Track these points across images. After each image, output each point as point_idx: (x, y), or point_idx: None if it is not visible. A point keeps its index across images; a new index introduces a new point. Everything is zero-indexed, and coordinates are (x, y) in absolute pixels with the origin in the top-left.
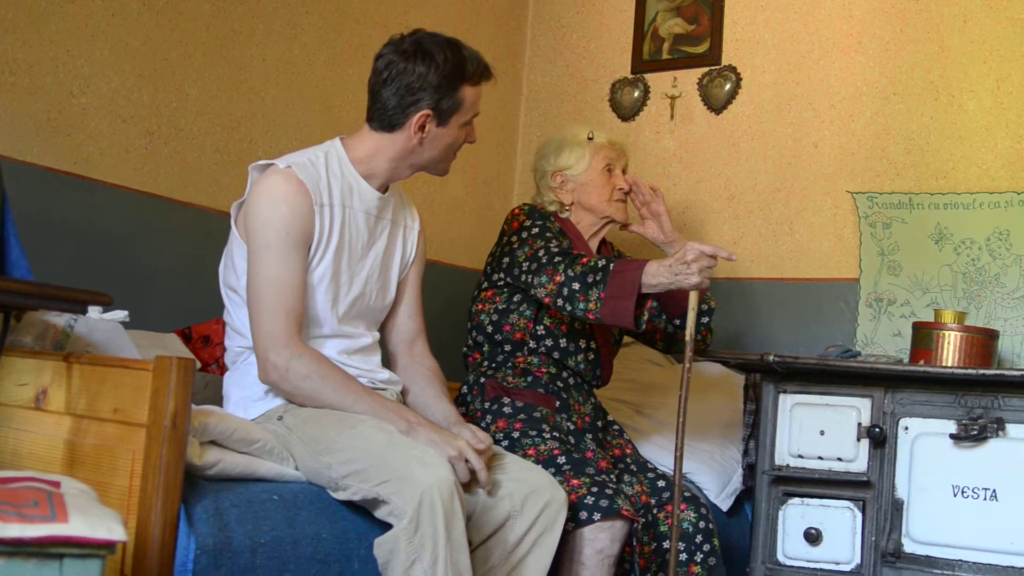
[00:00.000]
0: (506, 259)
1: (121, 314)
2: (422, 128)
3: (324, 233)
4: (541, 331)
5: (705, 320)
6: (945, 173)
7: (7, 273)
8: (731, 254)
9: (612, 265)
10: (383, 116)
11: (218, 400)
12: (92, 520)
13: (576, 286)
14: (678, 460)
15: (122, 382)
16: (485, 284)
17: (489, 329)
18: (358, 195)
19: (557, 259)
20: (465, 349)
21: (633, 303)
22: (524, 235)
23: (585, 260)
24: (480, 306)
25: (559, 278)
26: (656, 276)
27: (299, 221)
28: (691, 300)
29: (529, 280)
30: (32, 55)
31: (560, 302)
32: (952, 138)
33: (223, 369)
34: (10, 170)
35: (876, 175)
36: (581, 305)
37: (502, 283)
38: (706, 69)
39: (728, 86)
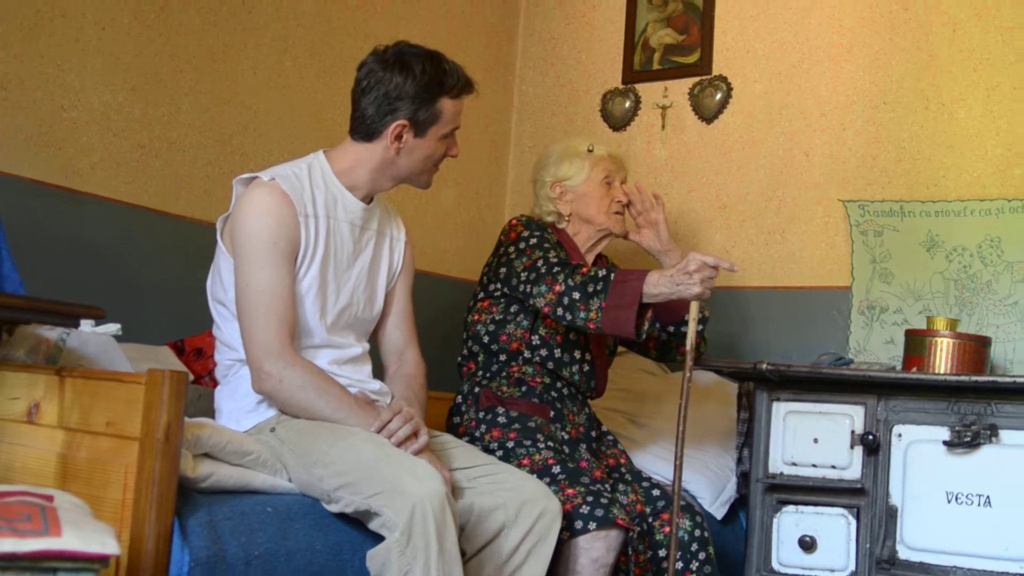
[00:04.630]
0: (503, 269)
1: (113, 327)
2: (399, 138)
3: (310, 243)
4: (537, 341)
5: (700, 328)
6: (936, 181)
7: None
8: (733, 265)
9: (613, 275)
10: (362, 125)
11: (211, 413)
12: (85, 534)
13: (576, 295)
14: (678, 468)
15: (115, 395)
16: (481, 295)
17: (485, 339)
18: (342, 206)
19: (556, 269)
20: (460, 359)
21: (635, 313)
22: (522, 245)
23: (585, 270)
24: (476, 316)
25: (559, 288)
26: (657, 286)
27: (285, 232)
28: (692, 310)
29: (528, 290)
30: (23, 69)
31: (560, 312)
32: (943, 146)
33: (216, 382)
34: (1, 184)
35: (867, 183)
36: (582, 315)
37: (499, 293)
38: (697, 79)
39: (719, 96)
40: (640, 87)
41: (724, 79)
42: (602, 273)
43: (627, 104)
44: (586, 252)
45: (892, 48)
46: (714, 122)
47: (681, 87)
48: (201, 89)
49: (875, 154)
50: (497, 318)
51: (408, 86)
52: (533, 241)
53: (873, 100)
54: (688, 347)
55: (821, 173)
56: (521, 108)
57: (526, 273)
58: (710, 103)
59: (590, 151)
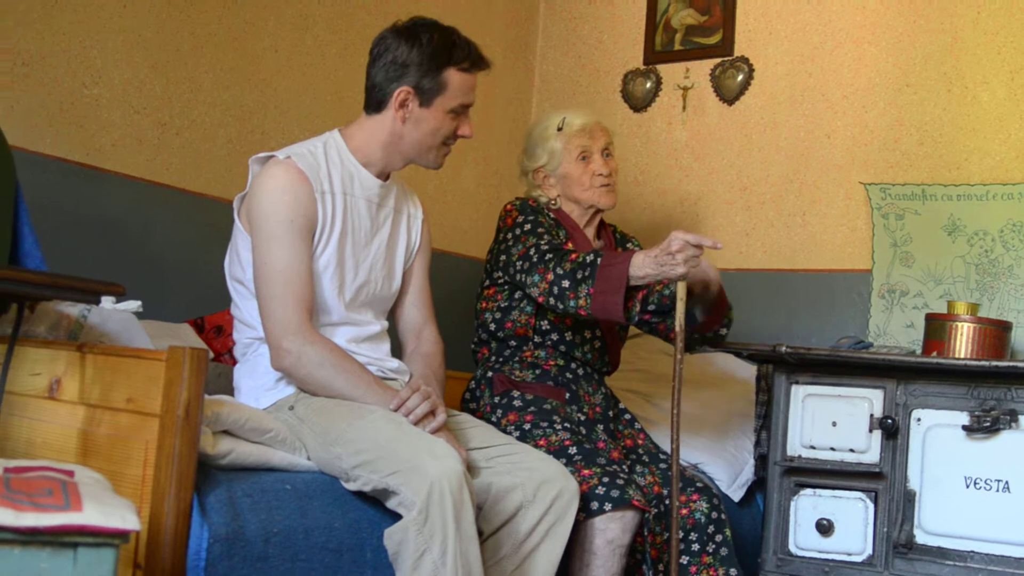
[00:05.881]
0: (503, 257)
1: (134, 304)
2: (404, 105)
3: (327, 220)
4: (545, 326)
5: (723, 333)
6: (958, 164)
7: (21, 263)
8: (715, 242)
9: (599, 260)
10: (372, 95)
11: (231, 391)
12: (106, 509)
13: (566, 284)
14: (675, 452)
15: (135, 372)
16: (487, 282)
17: (492, 327)
18: (359, 183)
19: (548, 257)
20: (473, 345)
21: (622, 297)
22: (517, 232)
23: (573, 256)
24: (484, 304)
25: (550, 276)
26: (642, 268)
27: (302, 209)
28: (679, 291)
29: (523, 280)
30: (45, 46)
31: (552, 301)
32: (965, 129)
33: (236, 360)
34: (23, 161)
35: (889, 166)
36: (572, 303)
37: (502, 281)
38: (718, 60)
39: (740, 77)
40: (661, 68)
41: (746, 60)
42: (590, 258)
43: (648, 85)
44: (584, 228)
45: (916, 30)
46: (736, 104)
47: (703, 68)
48: (222, 67)
49: (897, 137)
50: (502, 305)
51: (414, 53)
52: (527, 227)
53: (896, 82)
54: (677, 328)
55: (843, 156)
56: (542, 88)
57: (521, 262)
58: (732, 84)
59: (560, 129)
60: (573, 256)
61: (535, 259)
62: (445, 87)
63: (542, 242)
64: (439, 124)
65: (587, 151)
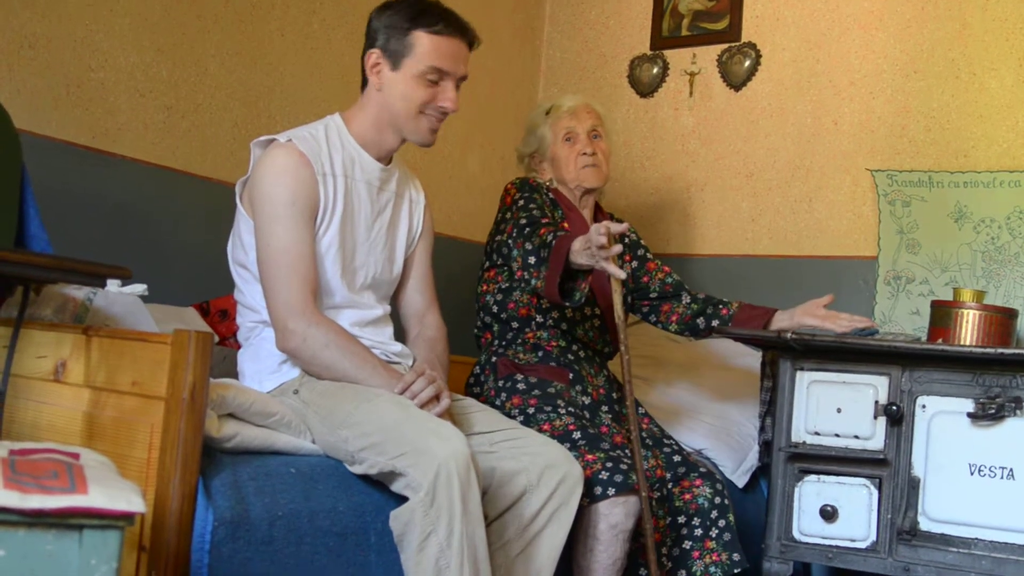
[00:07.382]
0: (498, 237)
1: (140, 288)
2: (376, 71)
3: (329, 202)
4: (546, 304)
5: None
6: (965, 151)
7: (27, 246)
8: (625, 227)
9: (555, 241)
10: (361, 72)
11: (235, 375)
12: (111, 492)
13: (532, 260)
14: (635, 441)
15: (141, 355)
16: (487, 264)
17: (495, 309)
18: (359, 166)
19: (527, 231)
20: (476, 331)
21: (558, 275)
22: (514, 209)
23: (542, 232)
24: (484, 287)
25: (520, 248)
26: (580, 255)
27: (304, 191)
28: (612, 283)
29: (513, 255)
30: (51, 29)
31: (526, 275)
32: (973, 116)
33: (240, 344)
34: (29, 144)
35: (896, 153)
36: (534, 281)
37: (501, 262)
38: (725, 46)
39: (748, 63)
40: (668, 53)
41: (753, 46)
42: (549, 238)
43: (655, 70)
44: (581, 209)
45: (924, 16)
46: (742, 89)
47: (710, 54)
48: (228, 50)
49: (904, 123)
50: (503, 287)
51: (385, 17)
52: (521, 203)
53: (903, 69)
54: (617, 319)
55: (849, 142)
56: (548, 73)
57: (511, 240)
58: (739, 70)
59: (548, 114)
60: (542, 231)
61: (514, 233)
62: (412, 49)
63: (522, 218)
64: (410, 90)
65: (572, 132)
